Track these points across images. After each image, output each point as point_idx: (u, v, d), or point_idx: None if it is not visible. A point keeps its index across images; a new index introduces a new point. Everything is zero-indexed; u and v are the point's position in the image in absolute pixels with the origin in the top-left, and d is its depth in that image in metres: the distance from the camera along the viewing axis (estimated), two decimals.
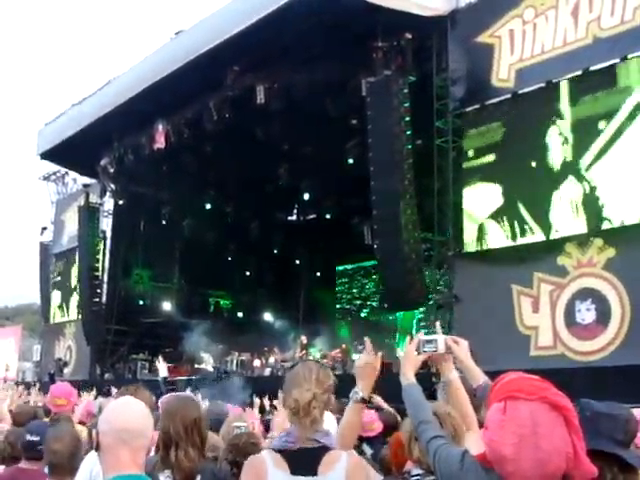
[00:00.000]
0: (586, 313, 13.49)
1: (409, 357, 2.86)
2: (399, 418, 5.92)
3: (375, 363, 3.05)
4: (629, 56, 13.56)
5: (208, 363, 24.67)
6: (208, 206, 28.80)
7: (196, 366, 25.23)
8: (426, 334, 3.02)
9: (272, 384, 17.26)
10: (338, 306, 31.64)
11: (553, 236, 14.37)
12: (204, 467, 3.28)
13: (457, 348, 2.95)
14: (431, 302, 17.54)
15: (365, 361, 3.05)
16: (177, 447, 3.23)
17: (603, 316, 13.23)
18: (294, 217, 32.43)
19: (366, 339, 3.17)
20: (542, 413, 2.00)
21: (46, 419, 5.66)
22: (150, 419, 2.46)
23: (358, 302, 31.12)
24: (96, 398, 7.53)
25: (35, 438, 4.20)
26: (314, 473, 2.72)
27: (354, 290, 31.39)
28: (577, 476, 2.05)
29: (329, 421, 4.01)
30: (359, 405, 3.03)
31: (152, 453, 3.42)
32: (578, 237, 13.93)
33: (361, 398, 3.01)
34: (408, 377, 2.76)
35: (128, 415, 2.40)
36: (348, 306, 31.50)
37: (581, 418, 2.10)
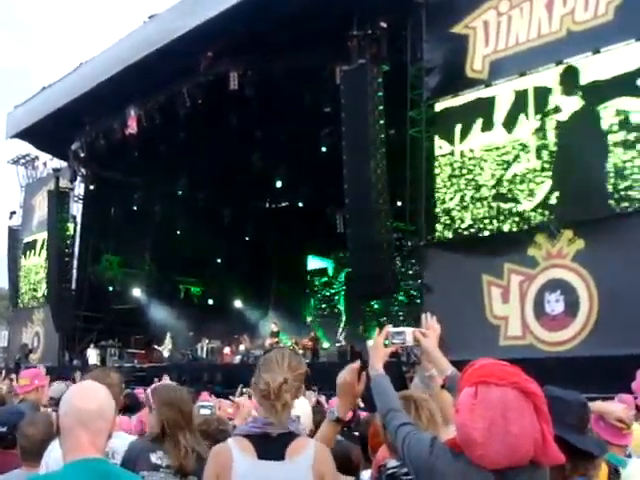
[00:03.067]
0: (555, 304, 13.61)
1: (378, 348, 2.87)
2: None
3: (354, 382, 2.97)
4: (601, 50, 13.67)
5: (166, 348, 24.70)
6: (180, 192, 28.69)
7: (154, 346, 25.23)
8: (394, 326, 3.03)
9: (242, 372, 17.31)
10: (309, 294, 31.69)
11: (523, 227, 14.47)
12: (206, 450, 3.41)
13: (425, 340, 2.95)
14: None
15: (344, 379, 2.98)
16: (177, 433, 3.45)
17: (572, 307, 13.36)
18: (266, 205, 32.31)
19: (354, 364, 3.04)
20: (512, 398, 2.03)
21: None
22: (111, 403, 2.45)
23: (329, 291, 31.20)
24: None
25: (2, 429, 4.14)
26: (281, 458, 2.71)
27: (325, 279, 31.44)
28: (545, 462, 2.07)
29: (303, 407, 4.01)
30: (334, 424, 3.01)
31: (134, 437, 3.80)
32: (548, 228, 14.03)
33: (336, 418, 2.99)
34: (377, 368, 2.79)
35: (88, 397, 2.40)
36: (319, 295, 31.58)
37: None
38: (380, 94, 16.47)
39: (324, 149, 22.82)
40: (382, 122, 16.50)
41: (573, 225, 13.72)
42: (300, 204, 29.64)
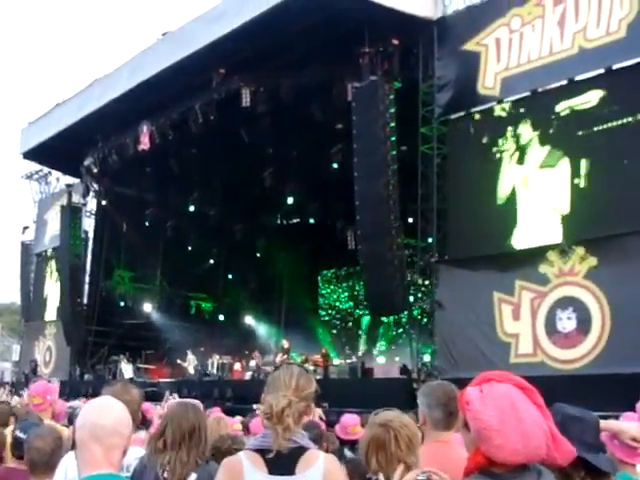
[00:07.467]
0: (567, 322, 13.54)
1: None
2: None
3: None
4: (614, 67, 13.66)
5: (191, 364, 24.61)
6: (192, 208, 28.75)
7: (178, 361, 25.13)
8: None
9: (252, 388, 17.29)
10: (320, 311, 31.65)
11: (535, 244, 14.42)
12: (201, 468, 3.37)
13: None
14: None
15: None
16: (175, 449, 3.37)
17: (584, 325, 13.28)
18: (277, 221, 32.34)
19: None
20: (515, 392, 2.06)
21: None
22: (127, 419, 2.45)
23: (340, 307, 31.15)
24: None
25: (23, 435, 4.15)
26: (292, 472, 2.71)
27: (336, 295, 31.41)
28: (558, 458, 2.06)
29: None
30: None
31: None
32: (560, 245, 13.98)
33: None
34: None
35: (103, 412, 2.41)
36: (330, 310, 31.53)
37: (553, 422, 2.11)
38: (392, 111, 16.48)
39: (335, 166, 22.84)
40: (393, 139, 16.50)
41: (585, 242, 13.67)
42: (311, 220, 29.65)
